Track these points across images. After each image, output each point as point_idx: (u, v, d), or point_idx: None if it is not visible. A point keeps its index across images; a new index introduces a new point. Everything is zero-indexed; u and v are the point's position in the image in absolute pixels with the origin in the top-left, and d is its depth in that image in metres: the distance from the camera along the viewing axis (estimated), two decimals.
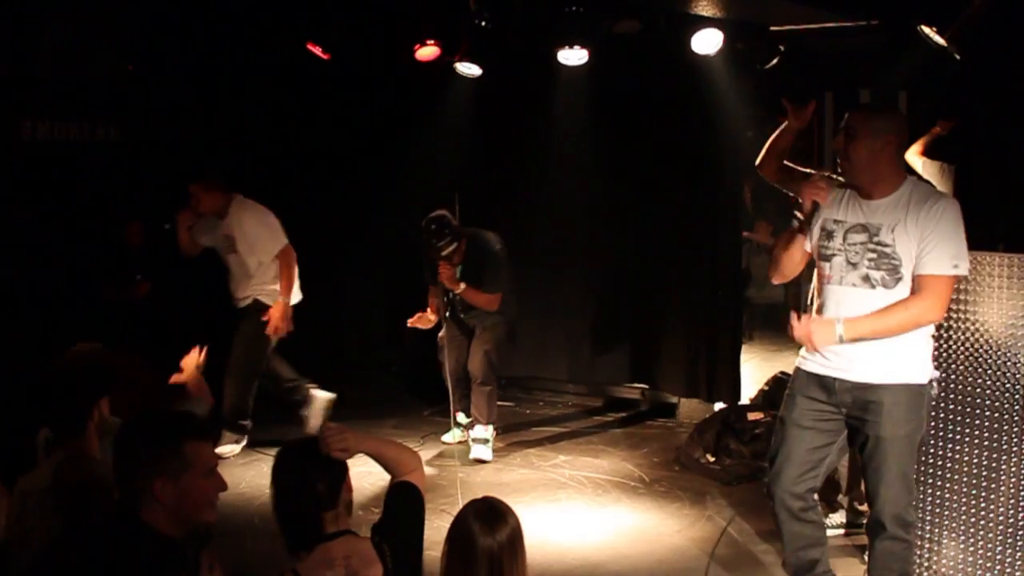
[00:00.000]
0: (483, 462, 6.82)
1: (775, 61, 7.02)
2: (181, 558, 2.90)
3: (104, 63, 7.97)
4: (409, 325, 7.17)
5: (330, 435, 3.00)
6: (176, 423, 2.98)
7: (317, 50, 7.79)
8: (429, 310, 7.16)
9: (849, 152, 4.03)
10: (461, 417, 7.15)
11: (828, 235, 4.14)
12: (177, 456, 2.84)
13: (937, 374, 4.17)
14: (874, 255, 4.00)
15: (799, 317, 4.01)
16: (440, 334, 7.14)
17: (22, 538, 3.44)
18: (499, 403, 7.99)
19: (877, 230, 4.01)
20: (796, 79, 8.03)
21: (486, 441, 6.89)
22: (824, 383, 4.13)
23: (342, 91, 8.60)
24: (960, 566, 4.43)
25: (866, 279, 4.02)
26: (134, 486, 2.84)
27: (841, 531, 5.45)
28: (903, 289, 3.97)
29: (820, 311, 4.16)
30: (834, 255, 4.11)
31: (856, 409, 4.08)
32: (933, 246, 3.90)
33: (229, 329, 6.99)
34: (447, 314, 7.02)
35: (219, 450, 6.58)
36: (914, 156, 6.13)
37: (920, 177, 5.82)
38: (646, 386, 8.08)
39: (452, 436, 7.18)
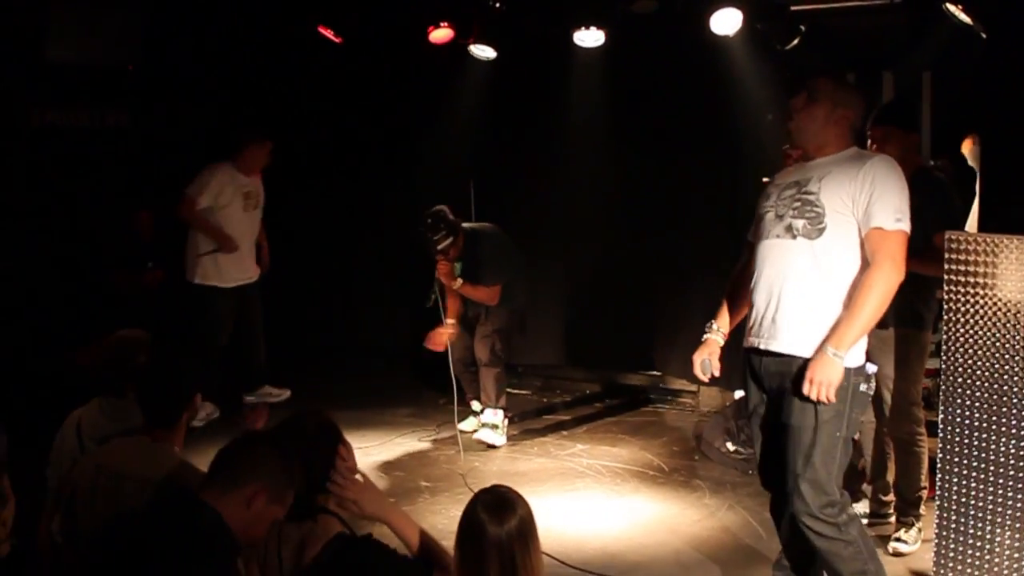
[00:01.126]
0: (492, 447, 6.75)
1: (796, 42, 6.89)
2: (233, 553, 2.91)
3: (113, 50, 7.89)
4: (427, 346, 7.00)
5: (345, 484, 2.97)
6: (296, 471, 3.03)
7: (329, 33, 7.72)
8: (444, 322, 6.89)
9: (805, 112, 3.97)
10: (476, 404, 7.07)
11: (766, 196, 4.08)
12: (287, 489, 2.94)
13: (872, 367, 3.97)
14: (798, 203, 3.89)
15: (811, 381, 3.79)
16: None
17: (72, 506, 3.40)
18: (516, 391, 7.97)
19: (807, 182, 3.92)
20: (817, 60, 7.92)
21: (495, 426, 6.82)
22: None
23: (354, 74, 8.51)
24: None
25: (788, 229, 3.90)
26: (236, 478, 2.87)
27: (864, 521, 5.34)
28: (826, 243, 3.82)
29: (752, 280, 4.06)
30: (765, 212, 4.03)
31: None
32: (876, 199, 3.77)
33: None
34: (434, 303, 6.87)
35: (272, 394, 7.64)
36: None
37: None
38: (665, 374, 7.98)
39: (469, 424, 7.09)
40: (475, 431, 6.95)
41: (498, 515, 2.80)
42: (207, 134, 8.39)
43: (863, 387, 3.89)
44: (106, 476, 3.38)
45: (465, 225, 6.75)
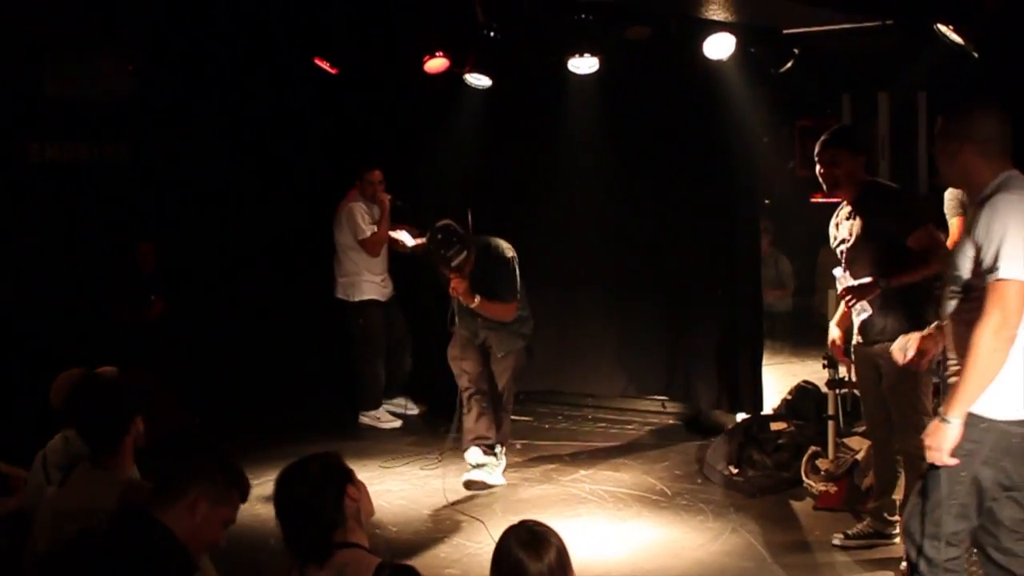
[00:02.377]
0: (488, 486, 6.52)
1: (789, 64, 6.93)
2: (192, 565, 2.98)
3: (111, 84, 7.93)
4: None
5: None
6: (238, 471, 3.13)
7: (325, 65, 7.76)
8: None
9: None
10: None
11: None
12: (229, 488, 3.01)
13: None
14: None
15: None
16: (451, 346, 6.77)
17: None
18: (518, 417, 7.94)
19: None
20: (811, 82, 7.96)
21: (496, 466, 6.58)
22: None
23: (350, 105, 8.55)
24: None
25: None
26: (175, 488, 2.93)
27: (863, 541, 5.33)
28: None
29: None
30: None
31: None
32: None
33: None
34: (454, 324, 6.63)
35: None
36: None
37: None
38: (666, 398, 7.97)
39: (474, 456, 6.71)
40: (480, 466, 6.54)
41: (536, 550, 2.80)
42: (207, 166, 8.43)
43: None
44: (65, 519, 3.50)
45: (479, 240, 6.51)
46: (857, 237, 5.07)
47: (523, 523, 2.95)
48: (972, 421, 3.47)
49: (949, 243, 5.26)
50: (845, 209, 5.21)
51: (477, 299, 6.32)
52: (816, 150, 5.16)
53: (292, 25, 7.59)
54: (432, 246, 6.32)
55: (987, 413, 3.48)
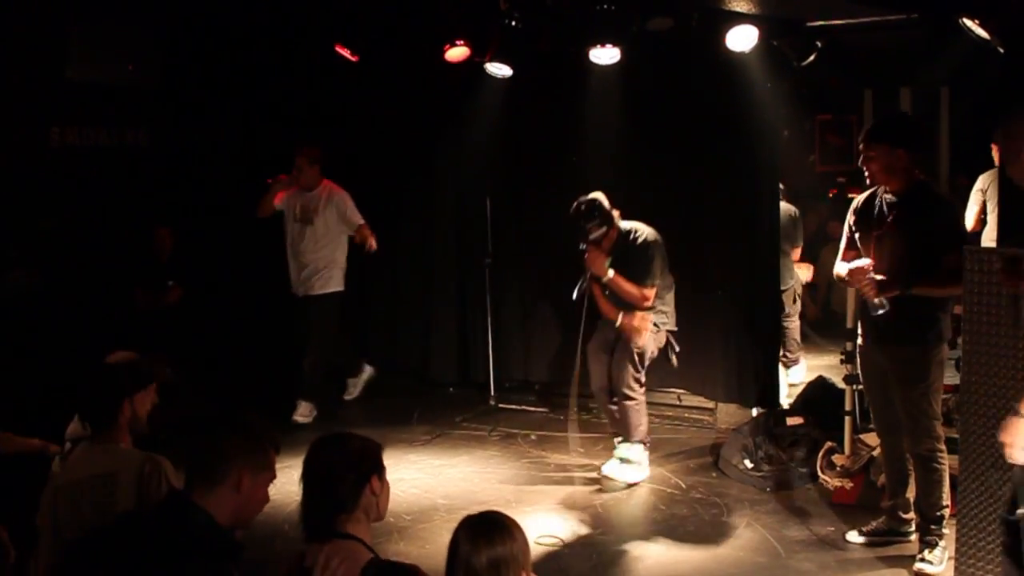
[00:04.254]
0: (628, 484, 6.39)
1: (812, 58, 6.88)
2: (232, 552, 2.99)
3: (132, 69, 7.94)
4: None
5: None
6: (266, 427, 3.13)
7: (346, 52, 7.75)
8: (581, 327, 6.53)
9: None
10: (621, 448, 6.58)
11: None
12: (266, 454, 3.03)
13: None
14: None
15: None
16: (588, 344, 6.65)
17: (56, 529, 3.70)
18: (533, 409, 7.95)
19: None
20: (834, 77, 7.90)
21: (628, 461, 6.42)
22: None
23: (371, 93, 8.54)
24: None
25: None
26: (219, 470, 2.94)
27: (879, 538, 5.31)
28: None
29: None
30: None
31: None
32: None
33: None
34: (584, 321, 6.52)
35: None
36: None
37: None
38: (683, 391, 7.94)
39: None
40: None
41: (475, 540, 2.80)
42: (226, 152, 8.45)
43: None
44: (64, 491, 3.74)
45: (624, 223, 6.46)
46: (893, 231, 4.93)
47: (487, 512, 2.95)
48: None
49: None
50: (888, 196, 5.02)
51: (611, 272, 6.29)
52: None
53: (313, 13, 7.58)
54: (573, 216, 6.33)
55: None
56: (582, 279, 6.44)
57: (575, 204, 6.35)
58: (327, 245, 7.87)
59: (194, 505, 2.90)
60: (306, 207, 7.84)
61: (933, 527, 5.03)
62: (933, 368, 4.94)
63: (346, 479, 3.02)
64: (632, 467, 6.42)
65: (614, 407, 6.49)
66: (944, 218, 4.95)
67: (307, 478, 3.07)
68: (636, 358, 6.31)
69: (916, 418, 4.96)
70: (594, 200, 6.32)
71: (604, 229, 6.27)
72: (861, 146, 5.03)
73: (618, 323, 6.31)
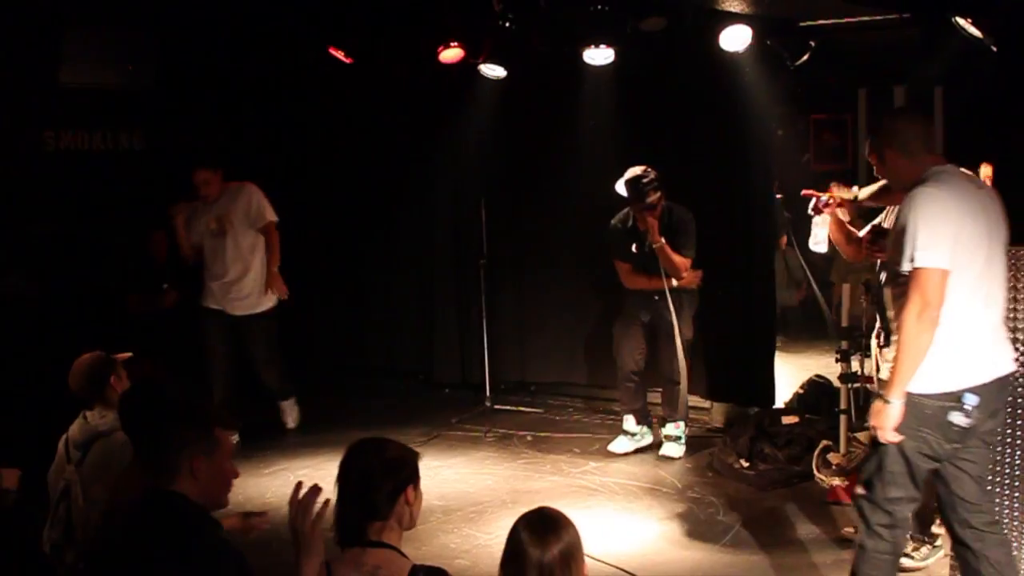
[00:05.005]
0: (671, 458, 6.87)
1: (806, 57, 6.89)
2: (216, 524, 3.03)
3: (127, 72, 7.94)
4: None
5: (298, 508, 2.87)
6: (204, 407, 3.14)
7: (340, 54, 7.75)
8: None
9: None
10: (630, 424, 7.07)
11: None
12: (211, 435, 3.04)
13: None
14: None
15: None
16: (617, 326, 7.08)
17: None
18: (529, 409, 7.95)
19: None
20: (828, 76, 7.91)
21: (678, 438, 6.93)
22: None
23: (365, 95, 8.55)
24: None
25: None
26: (171, 463, 2.96)
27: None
28: None
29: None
30: None
31: None
32: None
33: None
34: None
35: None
36: None
37: None
38: None
39: (619, 445, 7.08)
40: (632, 453, 6.99)
41: (541, 537, 2.79)
42: (220, 154, 8.44)
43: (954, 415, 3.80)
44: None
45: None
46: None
47: (541, 509, 2.94)
48: None
49: None
50: None
51: (661, 240, 6.64)
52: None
53: (308, 14, 7.58)
54: (631, 181, 6.63)
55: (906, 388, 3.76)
56: (642, 239, 6.75)
57: (635, 171, 6.63)
58: (251, 251, 7.41)
59: (171, 493, 2.94)
60: (220, 216, 7.33)
61: (923, 527, 5.03)
62: None
63: (383, 488, 2.96)
64: (681, 442, 6.92)
65: (638, 384, 6.99)
66: None
67: (343, 483, 3.01)
68: (684, 344, 6.74)
69: None
70: (647, 168, 6.64)
71: (659, 194, 6.63)
72: None
73: (683, 278, 6.77)
